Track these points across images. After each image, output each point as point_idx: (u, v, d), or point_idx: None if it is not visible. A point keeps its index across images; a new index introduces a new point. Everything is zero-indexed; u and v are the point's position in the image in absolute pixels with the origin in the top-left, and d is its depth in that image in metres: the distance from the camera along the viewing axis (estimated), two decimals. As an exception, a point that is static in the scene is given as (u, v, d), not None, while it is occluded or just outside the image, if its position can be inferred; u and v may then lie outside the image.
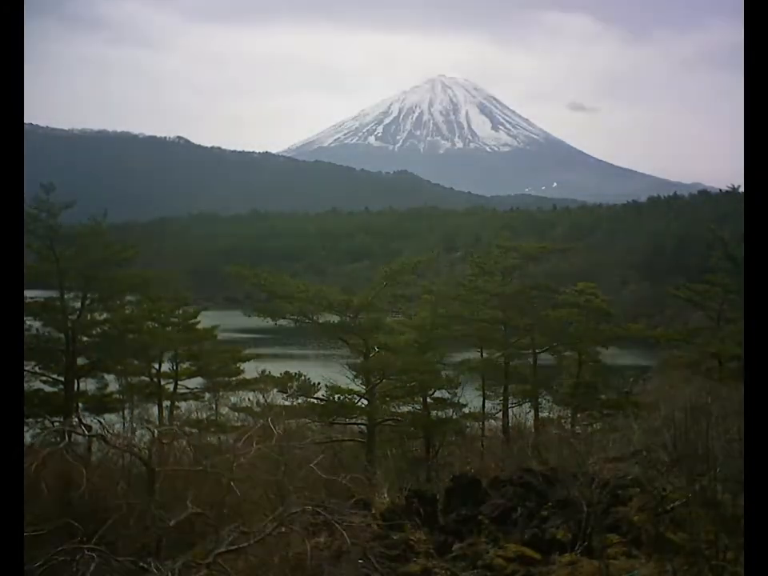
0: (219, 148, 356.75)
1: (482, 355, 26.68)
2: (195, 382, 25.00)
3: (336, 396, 22.41)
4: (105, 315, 21.92)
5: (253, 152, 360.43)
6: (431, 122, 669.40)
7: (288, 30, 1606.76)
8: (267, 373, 23.96)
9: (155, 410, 23.32)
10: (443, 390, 24.81)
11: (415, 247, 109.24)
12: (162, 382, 23.97)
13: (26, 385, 19.44)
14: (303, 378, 23.21)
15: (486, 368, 26.06)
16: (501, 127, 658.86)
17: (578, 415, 25.18)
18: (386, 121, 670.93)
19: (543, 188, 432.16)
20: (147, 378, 23.61)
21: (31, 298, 20.83)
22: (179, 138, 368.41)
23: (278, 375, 23.28)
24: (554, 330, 27.04)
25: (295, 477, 9.49)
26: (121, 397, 22.04)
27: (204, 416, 22.93)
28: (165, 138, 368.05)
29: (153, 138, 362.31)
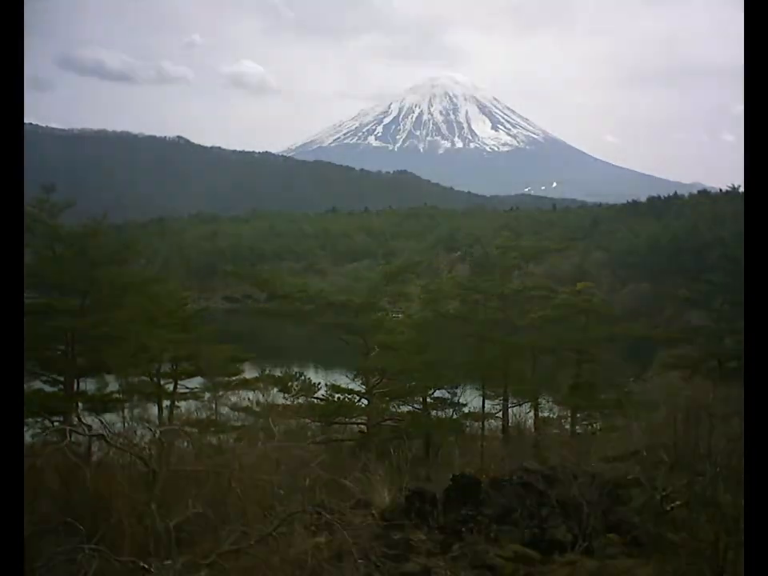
0: (219, 148, 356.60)
1: (481, 355, 26.70)
2: (195, 382, 25.00)
3: (336, 396, 22.45)
4: (105, 315, 21.90)
5: (253, 152, 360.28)
6: (431, 121, 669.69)
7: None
8: (267, 372, 23.99)
9: (155, 409, 23.31)
10: (443, 390, 24.84)
11: (415, 247, 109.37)
12: (162, 382, 23.97)
13: (25, 385, 19.43)
14: (303, 377, 23.26)
15: (485, 368, 26.09)
16: (501, 127, 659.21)
17: (578, 415, 25.20)
18: (386, 120, 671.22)
19: (543, 188, 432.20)
20: (147, 378, 23.61)
21: (31, 298, 20.83)
22: (179, 137, 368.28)
23: (278, 375, 23.33)
24: (553, 329, 27.07)
25: (295, 476, 9.49)
26: (121, 397, 22.02)
27: (204, 416, 22.93)
28: (165, 137, 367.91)
29: (153, 138, 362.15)
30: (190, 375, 24.66)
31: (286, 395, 22.41)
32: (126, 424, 16.88)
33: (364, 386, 22.52)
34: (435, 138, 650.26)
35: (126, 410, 20.25)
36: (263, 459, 8.96)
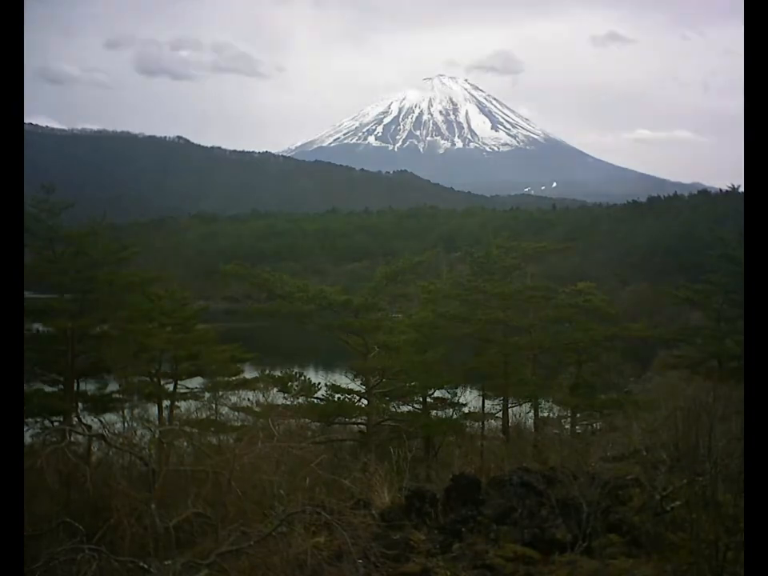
0: (219, 148, 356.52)
1: (481, 355, 26.70)
2: (195, 382, 25.00)
3: (336, 396, 22.45)
4: (105, 315, 21.92)
5: (253, 152, 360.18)
6: (431, 121, 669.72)
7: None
8: (267, 372, 23.97)
9: (155, 409, 23.31)
10: (443, 390, 24.84)
11: (415, 247, 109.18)
12: (162, 382, 23.96)
13: (25, 385, 19.44)
14: (303, 377, 23.25)
15: (485, 368, 26.10)
16: (501, 127, 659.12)
17: (578, 415, 25.21)
18: (386, 120, 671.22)
19: (543, 188, 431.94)
20: (147, 378, 23.60)
21: (31, 298, 20.84)
22: (179, 137, 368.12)
23: (279, 374, 23.32)
24: (553, 329, 27.10)
25: (295, 477, 9.49)
26: (121, 396, 22.04)
27: (204, 416, 22.92)
28: (165, 137, 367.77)
29: (153, 138, 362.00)
30: (190, 375, 24.67)
31: (286, 395, 22.41)
32: (125, 424, 16.89)
33: (364, 386, 22.52)
34: (435, 137, 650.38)
35: (125, 410, 20.25)
36: (263, 459, 8.96)
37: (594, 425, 24.44)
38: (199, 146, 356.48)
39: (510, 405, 26.19)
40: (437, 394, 24.79)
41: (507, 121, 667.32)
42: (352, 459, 16.68)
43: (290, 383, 22.65)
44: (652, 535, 7.95)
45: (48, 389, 21.07)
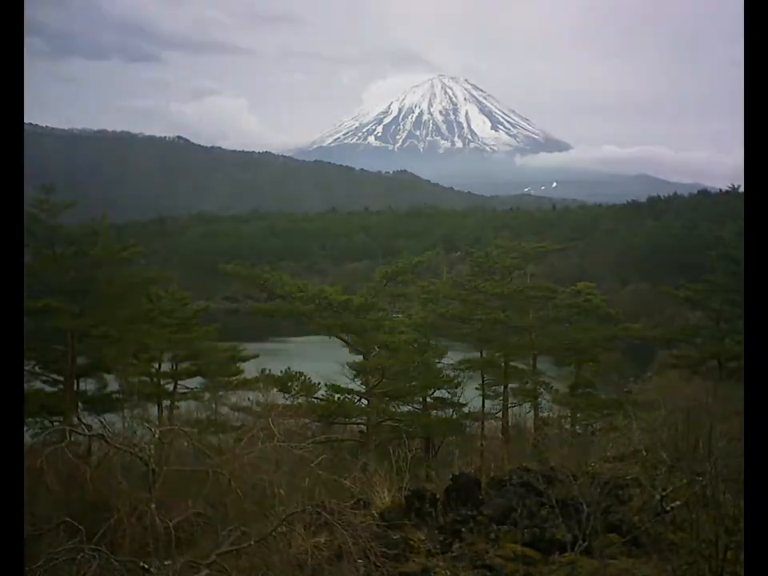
0: (219, 148, 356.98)
1: (481, 355, 26.70)
2: (195, 382, 25.00)
3: (336, 396, 22.45)
4: (105, 315, 21.90)
5: (253, 152, 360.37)
6: (431, 121, 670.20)
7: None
8: (267, 372, 23.97)
9: (155, 409, 23.32)
10: (443, 390, 24.85)
11: (415, 247, 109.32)
12: (162, 382, 23.97)
13: (25, 385, 19.43)
14: (304, 377, 23.25)
15: (485, 368, 26.11)
16: (501, 127, 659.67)
17: (578, 415, 25.20)
18: (386, 120, 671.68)
19: (543, 188, 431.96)
20: (147, 378, 23.61)
21: (31, 298, 20.83)
22: (179, 137, 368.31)
23: (279, 374, 23.32)
24: (553, 329, 27.10)
25: (295, 477, 9.49)
26: (121, 396, 22.04)
27: (204, 416, 22.93)
28: (165, 137, 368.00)
29: (153, 138, 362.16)
30: (190, 375, 24.67)
31: (286, 395, 22.42)
32: (125, 424, 16.89)
33: (364, 386, 22.53)
34: (435, 137, 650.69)
35: (125, 410, 20.24)
36: (263, 459, 8.96)
37: (594, 425, 24.42)
38: (199, 145, 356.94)
39: (509, 405, 26.19)
40: (437, 394, 24.79)
41: (507, 121, 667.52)
42: (352, 459, 16.70)
43: (289, 383, 22.65)
44: (652, 535, 7.94)
45: (48, 389, 21.06)
